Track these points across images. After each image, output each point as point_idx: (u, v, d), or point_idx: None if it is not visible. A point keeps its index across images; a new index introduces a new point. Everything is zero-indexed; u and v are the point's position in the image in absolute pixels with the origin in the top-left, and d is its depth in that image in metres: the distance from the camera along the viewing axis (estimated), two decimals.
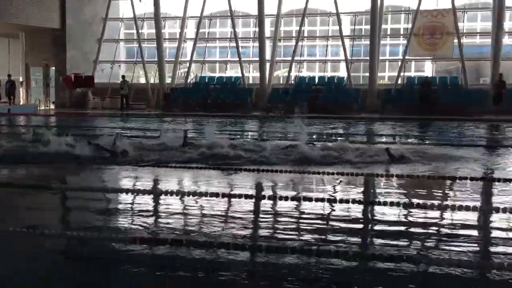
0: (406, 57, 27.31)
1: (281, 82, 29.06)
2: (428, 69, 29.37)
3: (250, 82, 29.14)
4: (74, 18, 29.53)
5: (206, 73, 31.07)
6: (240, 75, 28.58)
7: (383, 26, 28.56)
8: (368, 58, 26.57)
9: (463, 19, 27.27)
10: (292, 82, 28.07)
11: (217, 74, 30.64)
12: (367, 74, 27.00)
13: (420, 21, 26.89)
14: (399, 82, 26.84)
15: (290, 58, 28.22)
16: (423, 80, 25.16)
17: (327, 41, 29.13)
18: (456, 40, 26.28)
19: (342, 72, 28.63)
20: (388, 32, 29.52)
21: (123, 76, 28.40)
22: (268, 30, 28.74)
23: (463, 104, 24.11)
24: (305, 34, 29.39)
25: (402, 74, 27.19)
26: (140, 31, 30.45)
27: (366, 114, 24.35)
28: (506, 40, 27.46)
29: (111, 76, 30.79)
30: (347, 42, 28.35)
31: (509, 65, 26.69)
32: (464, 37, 27.31)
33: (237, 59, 28.79)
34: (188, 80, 29.54)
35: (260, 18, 27.42)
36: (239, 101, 27.01)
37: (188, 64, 29.86)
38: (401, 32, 29.13)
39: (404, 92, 25.74)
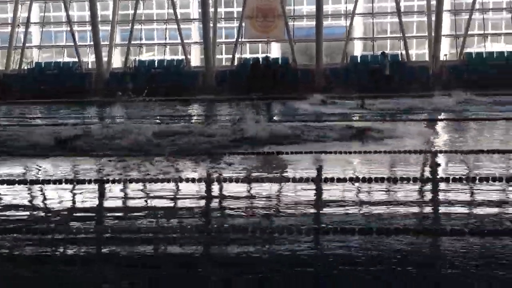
0: (243, 40, 28.42)
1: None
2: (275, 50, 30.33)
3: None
4: None
5: (55, 58, 30.16)
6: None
7: (228, 9, 29.47)
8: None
9: (292, 1, 28.73)
10: (132, 65, 28.14)
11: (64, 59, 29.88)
12: (220, 56, 28.18)
13: (253, 4, 28.01)
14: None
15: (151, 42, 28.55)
16: (253, 62, 26.28)
17: (166, 24, 29.37)
18: (292, 23, 27.92)
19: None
20: (235, 15, 30.30)
21: None
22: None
23: (293, 83, 25.57)
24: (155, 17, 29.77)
25: (238, 56, 28.24)
26: None
27: (204, 95, 25.07)
28: (342, 22, 29.23)
29: None
30: (197, 24, 28.99)
31: (336, 45, 28.64)
32: (299, 19, 28.92)
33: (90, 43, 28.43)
34: (23, 66, 28.60)
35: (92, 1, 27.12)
36: (76, 86, 26.61)
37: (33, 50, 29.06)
38: None
39: (238, 73, 26.72)
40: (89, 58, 29.34)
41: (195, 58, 29.51)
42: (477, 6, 27.37)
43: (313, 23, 29.40)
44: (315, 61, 26.18)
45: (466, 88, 22.30)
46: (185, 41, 28.67)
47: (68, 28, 29.24)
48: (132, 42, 28.84)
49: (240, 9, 28.87)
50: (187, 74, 27.29)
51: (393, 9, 27.87)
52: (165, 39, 29.51)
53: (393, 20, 28.59)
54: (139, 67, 27.89)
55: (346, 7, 28.34)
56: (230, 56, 28.58)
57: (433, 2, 26.79)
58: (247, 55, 28.92)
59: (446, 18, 27.82)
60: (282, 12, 27.23)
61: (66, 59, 29.59)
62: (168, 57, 29.20)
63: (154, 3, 30.04)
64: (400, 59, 26.87)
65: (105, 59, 28.08)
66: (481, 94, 18.85)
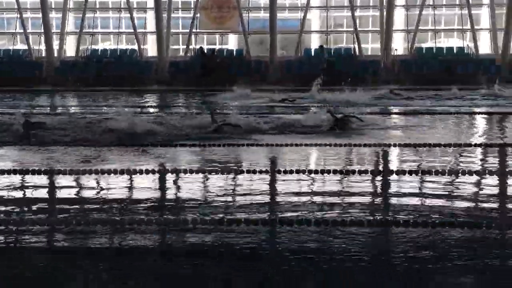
0: (197, 30, 28.29)
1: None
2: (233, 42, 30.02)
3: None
4: None
5: (8, 46, 29.30)
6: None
7: None
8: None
9: None
10: (83, 54, 27.67)
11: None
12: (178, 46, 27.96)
13: None
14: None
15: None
16: (211, 53, 26.23)
17: (120, 12, 28.91)
18: (247, 15, 27.83)
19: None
20: (192, 6, 29.97)
21: None
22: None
23: (246, 75, 25.47)
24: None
25: (191, 47, 28.10)
26: None
27: (157, 86, 24.86)
28: (300, 15, 29.00)
29: None
30: (153, 14, 28.53)
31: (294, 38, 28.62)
32: (256, 11, 28.79)
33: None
34: None
35: None
36: (27, 75, 26.00)
37: None
38: None
39: (191, 64, 26.54)
40: (42, 46, 28.73)
41: (152, 48, 29.13)
42: (431, 1, 27.81)
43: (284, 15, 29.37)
44: (269, 53, 26.21)
45: (415, 82, 22.91)
46: (140, 30, 28.36)
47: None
48: (85, 30, 28.33)
49: None
50: (140, 64, 27.00)
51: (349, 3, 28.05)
52: (118, 28, 29.08)
53: (350, 14, 28.70)
54: (91, 56, 27.45)
55: (300, 0, 28.40)
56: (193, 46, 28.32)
57: None
58: (205, 46, 28.72)
59: (401, 13, 28.23)
60: (237, 4, 27.11)
61: (21, 46, 28.94)
62: (124, 46, 28.79)
63: None
64: (353, 53, 27.16)
65: (57, 47, 27.61)
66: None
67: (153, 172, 5.97)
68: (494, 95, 17.82)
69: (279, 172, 6.06)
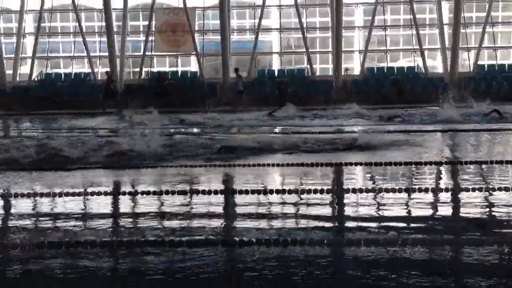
0: (152, 53, 28.47)
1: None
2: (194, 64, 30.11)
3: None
4: None
5: None
6: None
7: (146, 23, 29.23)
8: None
9: (202, 16, 28.97)
10: (37, 78, 27.67)
11: None
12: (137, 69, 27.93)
13: (163, 18, 28.13)
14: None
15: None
16: (157, 76, 26.45)
17: (75, 37, 28.96)
18: (202, 37, 28.10)
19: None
20: (154, 29, 30.08)
21: None
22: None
23: (201, 97, 25.63)
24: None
25: (147, 69, 28.27)
26: None
27: (111, 108, 24.79)
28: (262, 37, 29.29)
29: None
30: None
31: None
32: (214, 34, 28.99)
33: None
34: None
35: None
36: None
37: None
38: None
39: (145, 87, 26.69)
40: None
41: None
42: (388, 23, 28.40)
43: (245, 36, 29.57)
44: (222, 75, 26.47)
45: (367, 101, 23.10)
46: (94, 54, 28.43)
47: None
48: (39, 55, 28.38)
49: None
50: (94, 87, 27.02)
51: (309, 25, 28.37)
52: (73, 52, 29.11)
53: (311, 36, 29.00)
54: (44, 80, 27.44)
55: (254, 23, 28.68)
56: (149, 69, 28.37)
57: (346, 19, 27.72)
58: (166, 69, 28.90)
59: (360, 34, 28.76)
60: (189, 27, 27.41)
61: None
62: (87, 70, 28.72)
63: (71, 15, 29.55)
64: (307, 74, 27.56)
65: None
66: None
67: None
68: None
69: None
